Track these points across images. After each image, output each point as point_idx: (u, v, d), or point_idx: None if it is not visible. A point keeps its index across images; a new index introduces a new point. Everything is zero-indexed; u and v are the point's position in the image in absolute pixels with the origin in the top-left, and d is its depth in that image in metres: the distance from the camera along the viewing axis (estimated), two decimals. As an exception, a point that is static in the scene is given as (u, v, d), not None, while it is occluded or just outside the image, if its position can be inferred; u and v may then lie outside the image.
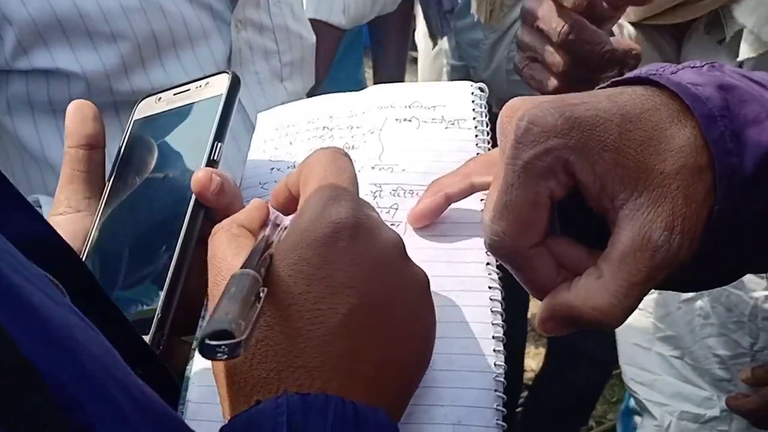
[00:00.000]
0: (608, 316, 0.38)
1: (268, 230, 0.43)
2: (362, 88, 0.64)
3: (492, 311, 0.48)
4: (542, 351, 2.29)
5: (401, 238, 0.41)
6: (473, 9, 1.52)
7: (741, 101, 0.39)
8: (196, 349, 0.32)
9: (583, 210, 0.40)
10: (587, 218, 0.41)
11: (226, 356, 0.32)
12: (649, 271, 0.38)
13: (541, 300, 0.42)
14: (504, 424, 0.44)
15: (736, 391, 0.89)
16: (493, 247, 0.42)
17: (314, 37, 1.15)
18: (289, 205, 0.46)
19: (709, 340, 0.84)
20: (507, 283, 0.49)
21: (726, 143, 0.38)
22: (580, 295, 0.39)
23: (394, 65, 1.80)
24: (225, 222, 0.45)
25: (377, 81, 1.81)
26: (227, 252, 0.42)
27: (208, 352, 0.33)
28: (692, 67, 0.42)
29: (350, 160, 0.45)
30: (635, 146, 0.38)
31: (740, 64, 0.79)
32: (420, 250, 0.50)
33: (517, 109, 0.40)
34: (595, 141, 0.38)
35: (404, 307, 0.40)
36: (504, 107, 0.41)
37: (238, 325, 0.33)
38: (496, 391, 0.45)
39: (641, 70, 0.42)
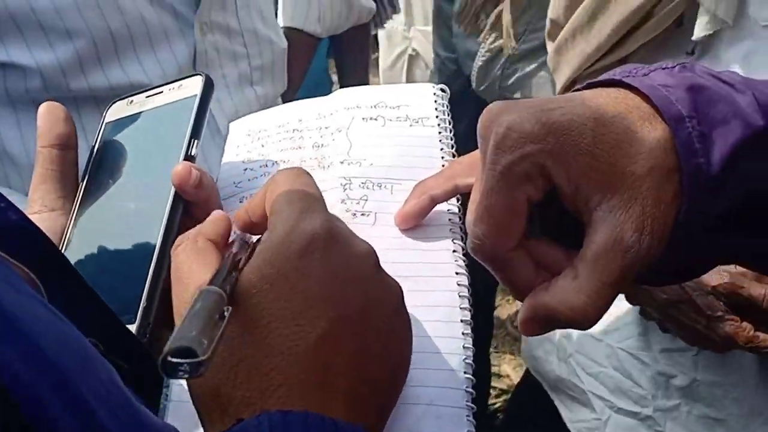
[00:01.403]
0: (583, 316, 0.39)
1: (235, 248, 0.42)
2: (329, 93, 0.67)
3: (459, 296, 0.50)
4: (518, 358, 2.29)
5: (374, 249, 0.42)
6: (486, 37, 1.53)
7: (709, 102, 0.40)
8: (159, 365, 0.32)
9: (561, 212, 0.42)
10: (565, 219, 0.42)
11: (187, 375, 0.32)
12: (621, 271, 0.39)
13: (521, 300, 0.43)
14: (473, 406, 0.46)
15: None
16: (474, 250, 0.42)
17: (285, 42, 1.15)
18: (250, 230, 0.46)
19: (657, 332, 0.86)
20: (472, 275, 0.51)
21: (693, 144, 0.39)
22: (557, 296, 0.40)
23: (357, 69, 1.82)
24: (189, 234, 0.45)
25: (343, 85, 1.83)
26: (193, 266, 0.42)
27: (170, 370, 0.32)
28: (664, 68, 0.43)
29: (312, 177, 0.45)
30: (608, 149, 0.39)
31: (695, 44, 0.81)
32: (391, 239, 0.53)
33: (496, 114, 0.41)
34: (569, 145, 0.39)
35: (380, 319, 0.41)
36: (484, 112, 0.42)
37: (201, 343, 0.32)
38: (465, 372, 0.47)
39: (615, 72, 0.44)
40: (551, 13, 0.93)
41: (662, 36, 0.81)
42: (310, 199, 0.42)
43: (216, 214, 0.47)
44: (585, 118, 0.39)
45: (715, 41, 0.80)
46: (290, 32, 1.34)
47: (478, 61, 1.57)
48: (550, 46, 0.94)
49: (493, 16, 1.45)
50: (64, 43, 0.85)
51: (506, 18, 1.37)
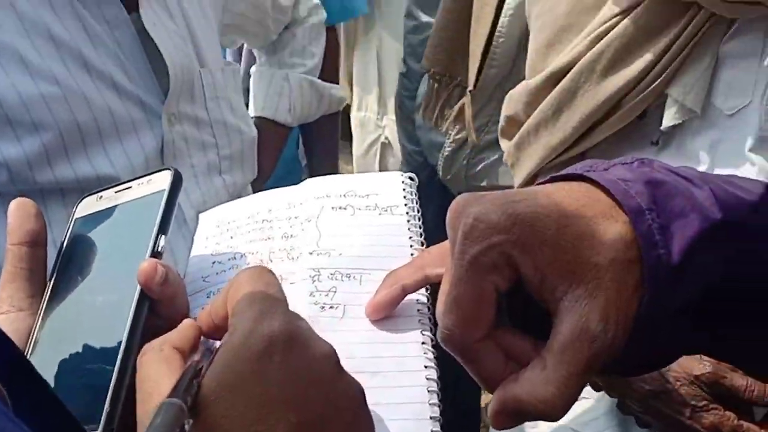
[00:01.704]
0: (552, 408, 0.39)
1: (197, 355, 0.42)
2: (299, 180, 0.67)
3: (429, 391, 0.49)
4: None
5: (334, 350, 0.42)
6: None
7: (668, 196, 0.42)
8: None
9: (528, 301, 0.42)
10: (532, 309, 0.42)
11: None
12: (588, 361, 0.39)
13: (491, 392, 0.43)
14: None
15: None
16: (444, 341, 0.43)
17: (255, 131, 1.16)
18: (214, 333, 0.46)
19: (635, 425, 0.86)
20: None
21: (653, 236, 0.40)
22: (525, 388, 0.40)
23: (328, 157, 1.84)
24: (155, 342, 0.44)
25: (313, 173, 1.85)
26: (158, 375, 0.41)
27: None
28: (623, 164, 0.44)
29: (275, 276, 0.45)
30: (572, 240, 0.40)
31: (659, 135, 0.83)
32: (359, 333, 0.52)
33: (464, 205, 0.42)
34: (535, 236, 0.40)
35: (341, 423, 0.40)
36: (453, 203, 0.43)
37: None
38: None
39: (576, 167, 0.45)
40: (507, 110, 0.94)
41: (625, 128, 0.83)
42: (270, 300, 0.42)
43: (186, 322, 0.46)
44: (549, 211, 0.41)
45: (680, 131, 0.82)
46: (261, 122, 1.35)
47: (444, 152, 1.62)
48: (505, 144, 0.96)
49: (455, 109, 1.50)
50: (31, 136, 0.85)
51: (467, 112, 1.42)
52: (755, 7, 0.75)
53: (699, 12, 0.77)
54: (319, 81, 1.39)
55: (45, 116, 0.85)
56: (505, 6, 1.34)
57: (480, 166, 1.59)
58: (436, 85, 1.51)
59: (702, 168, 0.80)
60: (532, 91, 0.89)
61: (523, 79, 1.42)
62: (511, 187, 1.55)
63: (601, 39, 0.80)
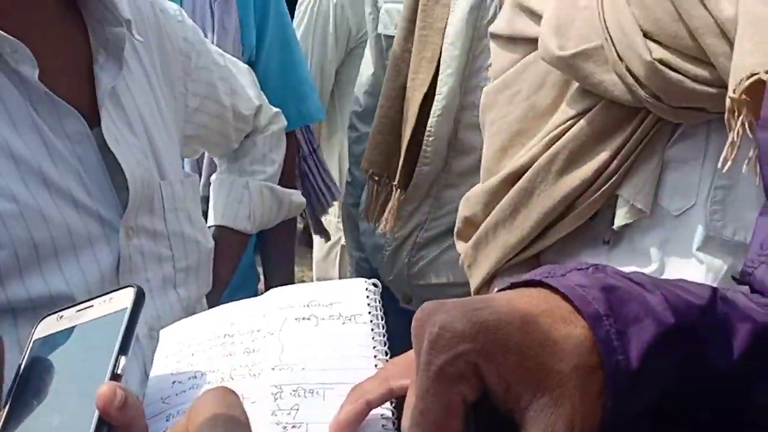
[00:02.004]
0: None
1: None
2: (255, 288, 0.66)
3: None
4: None
5: None
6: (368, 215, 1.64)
7: (622, 301, 0.43)
8: None
9: (494, 411, 0.42)
10: (498, 419, 0.42)
11: None
12: None
13: None
14: None
15: None
16: None
17: (212, 243, 1.15)
18: None
19: None
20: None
21: (612, 342, 0.41)
22: None
23: (284, 263, 1.84)
24: None
25: (269, 280, 1.84)
26: None
27: None
28: (579, 269, 0.45)
29: (237, 396, 0.44)
30: (535, 347, 0.40)
31: (610, 234, 0.85)
32: None
33: (429, 314, 0.42)
34: (499, 344, 0.40)
35: None
36: (417, 311, 0.43)
37: None
38: None
39: (535, 273, 0.46)
40: (465, 211, 0.96)
41: (578, 227, 0.86)
42: (233, 422, 0.41)
43: None
44: (512, 317, 0.41)
45: (630, 230, 0.85)
46: (220, 231, 1.34)
47: (386, 252, 1.65)
48: (461, 245, 0.97)
49: (394, 208, 1.55)
50: None
51: (392, 203, 1.51)
52: (698, 113, 0.79)
53: (647, 116, 0.81)
54: (279, 187, 1.40)
55: (1, 235, 0.84)
56: (433, 108, 1.45)
57: (421, 264, 1.62)
58: (375, 186, 1.59)
59: (652, 266, 0.83)
60: (489, 192, 0.91)
61: (456, 177, 1.50)
62: (449, 284, 1.59)
63: (557, 141, 0.84)
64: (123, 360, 0.50)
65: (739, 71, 0.70)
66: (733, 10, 0.72)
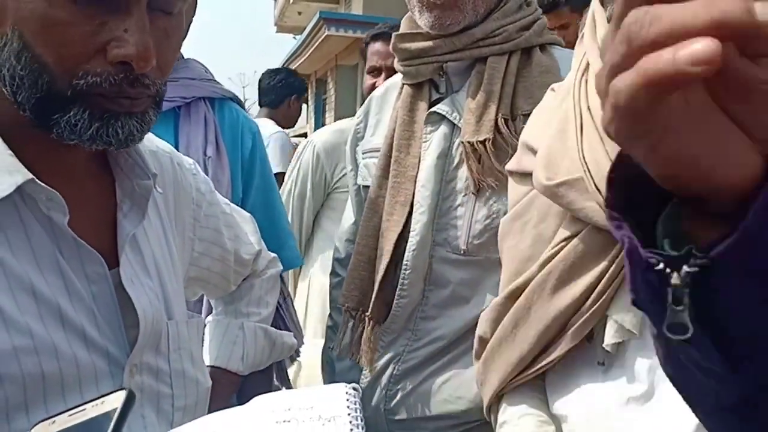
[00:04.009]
0: None
1: None
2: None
3: None
4: None
5: None
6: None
7: None
8: None
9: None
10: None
11: None
12: None
13: None
14: None
15: None
16: None
17: (210, 382, 1.15)
18: None
19: None
20: None
21: None
22: None
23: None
24: None
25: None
26: None
27: None
28: None
29: None
30: None
31: (606, 354, 0.87)
32: None
33: None
34: None
35: None
36: None
37: None
38: None
39: None
40: (479, 330, 1.01)
41: (576, 349, 0.89)
42: None
43: None
44: None
45: (622, 352, 0.87)
46: (213, 371, 1.35)
47: (362, 386, 1.65)
48: (477, 364, 1.01)
49: (370, 341, 1.59)
50: None
51: (366, 335, 1.54)
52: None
53: None
54: (272, 329, 1.43)
55: (13, 369, 0.85)
56: (408, 243, 1.52)
57: (398, 397, 1.62)
58: (350, 320, 1.63)
59: (643, 388, 0.85)
60: (495, 308, 0.95)
61: (432, 309, 1.53)
62: (425, 418, 1.58)
63: (550, 261, 0.89)
64: None
65: None
66: None
